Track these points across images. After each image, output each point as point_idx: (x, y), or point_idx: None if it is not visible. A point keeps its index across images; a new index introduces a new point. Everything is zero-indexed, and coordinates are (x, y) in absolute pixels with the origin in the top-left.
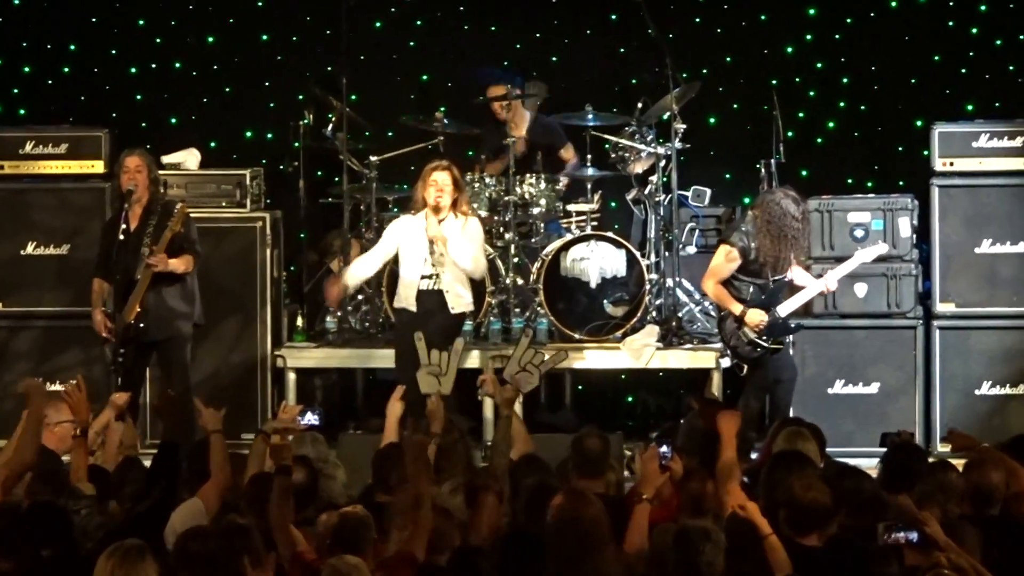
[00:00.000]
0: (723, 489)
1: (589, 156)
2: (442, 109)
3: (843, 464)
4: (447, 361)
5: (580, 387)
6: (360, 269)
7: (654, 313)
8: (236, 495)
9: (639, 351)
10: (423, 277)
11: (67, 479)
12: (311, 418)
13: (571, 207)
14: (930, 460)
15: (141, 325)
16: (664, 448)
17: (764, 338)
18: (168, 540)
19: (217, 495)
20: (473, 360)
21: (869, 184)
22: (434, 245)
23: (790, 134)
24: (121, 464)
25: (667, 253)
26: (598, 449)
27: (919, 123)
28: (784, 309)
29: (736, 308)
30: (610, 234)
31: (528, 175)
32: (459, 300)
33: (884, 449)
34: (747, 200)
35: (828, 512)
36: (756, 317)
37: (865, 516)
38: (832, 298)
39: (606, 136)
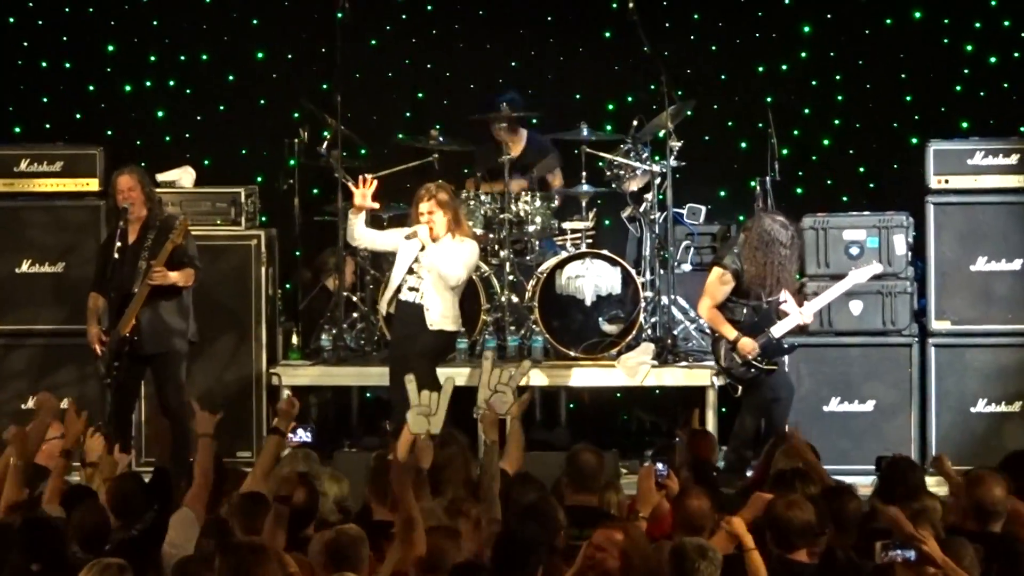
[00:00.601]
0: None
1: (584, 174)
2: (437, 127)
3: (833, 483)
4: (436, 401)
5: (575, 405)
6: (365, 233)
7: (649, 331)
8: (230, 511)
9: (634, 369)
10: (409, 289)
11: (37, 502)
12: (304, 435)
13: (566, 225)
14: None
15: (136, 338)
16: (660, 466)
17: (758, 360)
18: (166, 552)
19: (201, 500)
20: (465, 378)
21: (864, 202)
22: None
23: (785, 152)
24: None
25: (662, 271)
26: (593, 464)
27: (914, 140)
28: (778, 330)
29: (731, 334)
30: (605, 252)
31: (523, 193)
32: (439, 318)
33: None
34: (742, 218)
35: (812, 529)
36: (748, 346)
37: (853, 534)
38: (828, 316)
39: (601, 154)
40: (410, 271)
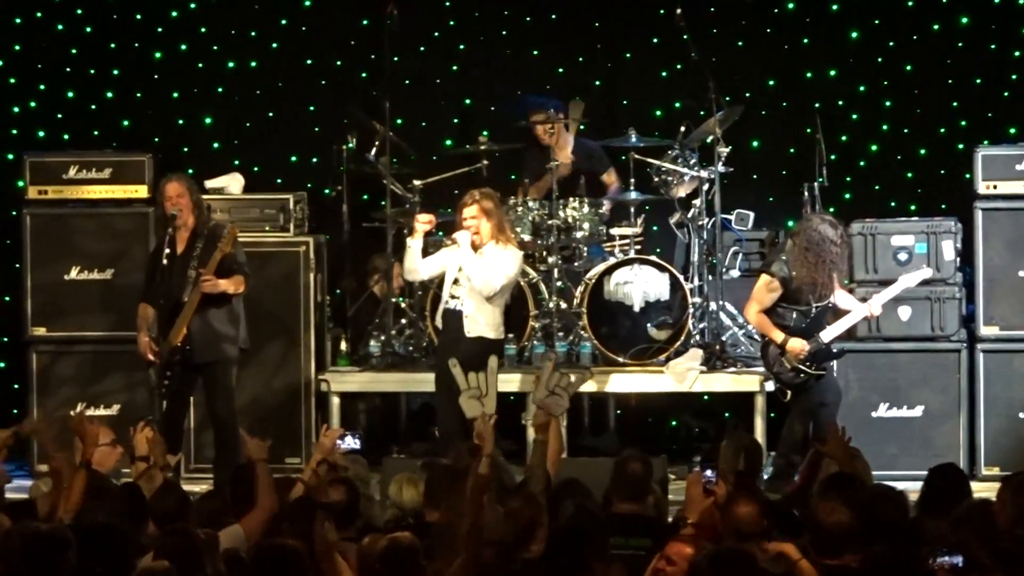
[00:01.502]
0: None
1: (632, 180)
2: (484, 133)
3: (879, 488)
4: (484, 381)
5: (623, 411)
6: (421, 267)
7: (698, 337)
8: (280, 517)
9: (683, 375)
10: (451, 297)
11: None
12: (351, 442)
13: (614, 231)
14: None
15: (188, 348)
16: (708, 472)
17: (807, 365)
18: None
19: (261, 524)
20: (514, 384)
21: (912, 207)
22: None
23: (833, 157)
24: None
25: (710, 277)
26: (640, 472)
27: (961, 146)
28: (828, 335)
29: (778, 337)
30: (653, 258)
31: (571, 199)
32: (475, 325)
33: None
34: (790, 224)
35: (853, 534)
36: (797, 346)
37: (900, 540)
38: (876, 322)
39: (649, 160)
40: (455, 281)
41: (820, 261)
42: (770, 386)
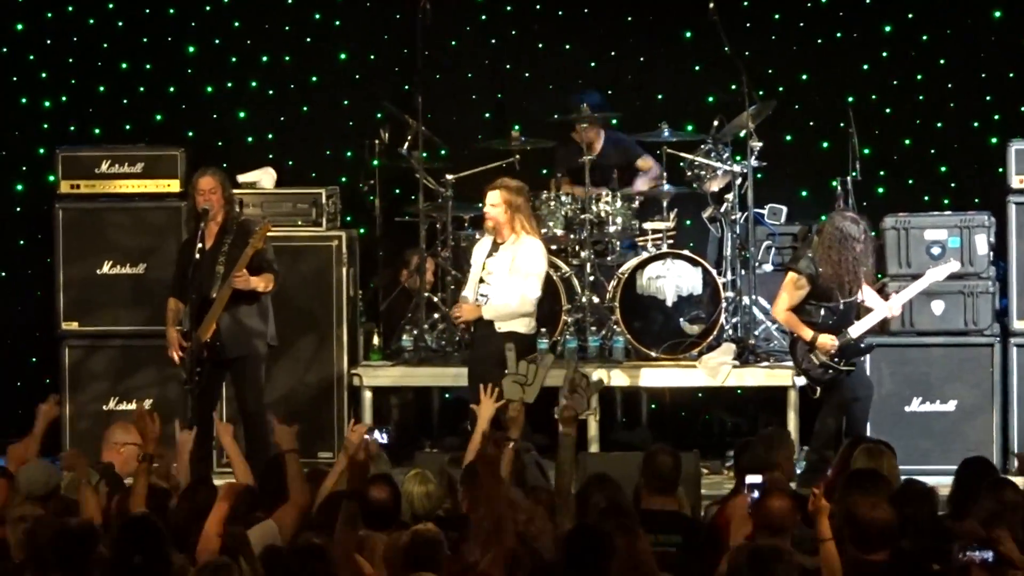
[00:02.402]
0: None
1: (665, 174)
2: (516, 127)
3: (911, 484)
4: (535, 372)
5: (656, 405)
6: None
7: (730, 331)
8: (311, 513)
9: (715, 369)
10: (481, 295)
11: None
12: (379, 437)
13: (647, 225)
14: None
15: (218, 344)
16: (755, 494)
17: (836, 360)
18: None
19: (295, 517)
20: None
21: (946, 201)
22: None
23: (866, 151)
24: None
25: (743, 271)
26: (669, 466)
27: (995, 140)
28: (856, 330)
29: (807, 334)
30: (686, 252)
31: (604, 193)
32: (508, 321)
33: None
34: (823, 218)
35: (892, 531)
36: (828, 342)
37: (928, 537)
38: (909, 316)
39: (682, 154)
40: (480, 280)
41: (843, 258)
42: (801, 380)
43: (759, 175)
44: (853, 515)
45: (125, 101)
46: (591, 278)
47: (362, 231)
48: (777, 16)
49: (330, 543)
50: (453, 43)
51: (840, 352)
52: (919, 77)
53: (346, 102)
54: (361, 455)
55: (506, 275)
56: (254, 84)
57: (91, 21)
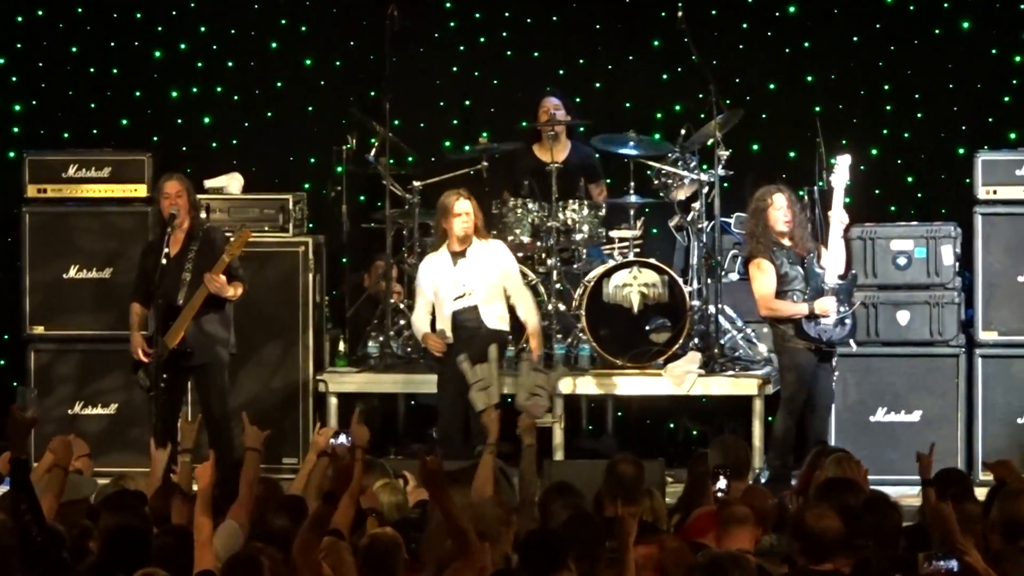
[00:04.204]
0: None
1: (632, 183)
2: (484, 135)
3: (872, 493)
4: (488, 371)
5: (622, 413)
6: (421, 325)
7: (696, 340)
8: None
9: (681, 378)
10: (455, 298)
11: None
12: (344, 440)
13: (613, 233)
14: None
15: (188, 350)
16: (721, 482)
17: (842, 309)
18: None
19: (245, 513)
20: (510, 386)
21: (912, 212)
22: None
23: (833, 161)
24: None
25: (709, 280)
26: (631, 474)
27: (962, 151)
28: (831, 275)
29: (804, 308)
30: (653, 260)
31: (571, 201)
32: (494, 317)
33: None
34: None
35: (841, 541)
36: (825, 303)
37: (893, 546)
38: (875, 326)
39: (649, 162)
40: (461, 296)
41: (758, 220)
42: (769, 389)
43: (726, 184)
44: (800, 526)
45: (92, 105)
46: (557, 286)
47: (324, 238)
48: (745, 25)
49: (273, 553)
50: (421, 49)
51: (840, 300)
52: (886, 87)
53: (312, 108)
54: (346, 459)
55: (492, 281)
56: (220, 89)
57: (60, 25)
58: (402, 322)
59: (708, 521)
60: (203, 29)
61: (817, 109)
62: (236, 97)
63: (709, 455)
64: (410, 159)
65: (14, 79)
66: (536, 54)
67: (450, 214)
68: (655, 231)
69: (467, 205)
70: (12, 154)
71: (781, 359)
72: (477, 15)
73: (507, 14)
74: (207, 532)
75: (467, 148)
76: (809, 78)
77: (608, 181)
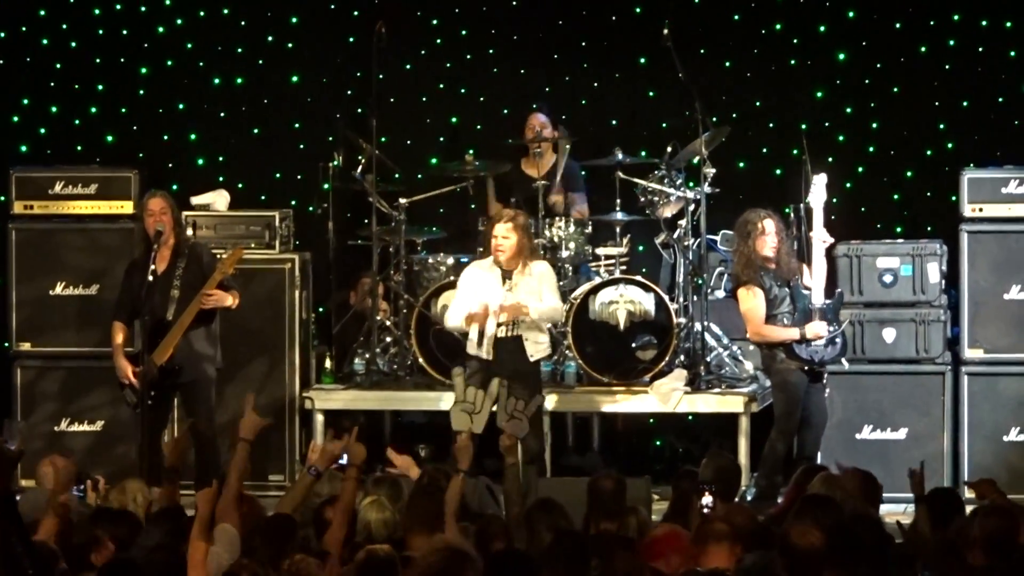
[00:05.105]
0: None
1: (618, 200)
2: (471, 152)
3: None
4: (481, 400)
5: (607, 431)
6: (454, 318)
7: (682, 357)
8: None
9: (667, 395)
10: (499, 324)
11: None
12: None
13: (600, 250)
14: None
15: (177, 367)
16: (706, 499)
17: (831, 328)
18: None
19: (234, 506)
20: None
21: (898, 229)
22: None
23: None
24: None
25: (696, 297)
26: (610, 490)
27: (948, 168)
28: (816, 296)
29: (795, 333)
30: (639, 278)
31: (557, 218)
32: (537, 347)
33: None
34: None
35: (824, 557)
36: (816, 327)
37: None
38: (861, 344)
39: (635, 180)
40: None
41: (745, 243)
42: (755, 407)
43: (712, 201)
44: (785, 543)
45: (77, 122)
46: None
47: (311, 255)
48: (731, 43)
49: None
50: (408, 66)
51: (829, 321)
52: (872, 105)
53: (298, 125)
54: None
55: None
56: (206, 106)
57: (44, 41)
58: (388, 339)
59: (666, 544)
60: (189, 46)
61: (803, 127)
62: (223, 114)
63: (701, 469)
64: (396, 176)
65: None
66: (522, 71)
67: (489, 234)
68: (641, 248)
69: (503, 228)
70: None
71: (772, 379)
72: (464, 32)
73: (493, 31)
74: (201, 555)
75: (454, 164)
76: (795, 95)
77: (594, 198)
